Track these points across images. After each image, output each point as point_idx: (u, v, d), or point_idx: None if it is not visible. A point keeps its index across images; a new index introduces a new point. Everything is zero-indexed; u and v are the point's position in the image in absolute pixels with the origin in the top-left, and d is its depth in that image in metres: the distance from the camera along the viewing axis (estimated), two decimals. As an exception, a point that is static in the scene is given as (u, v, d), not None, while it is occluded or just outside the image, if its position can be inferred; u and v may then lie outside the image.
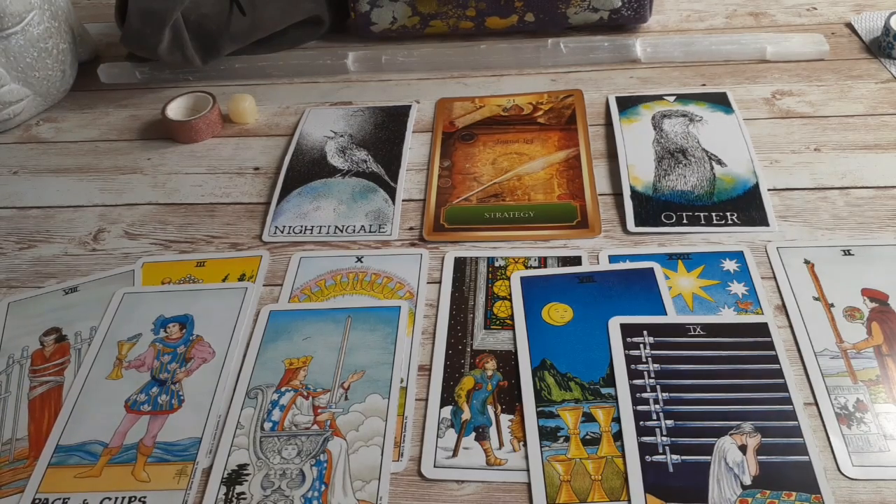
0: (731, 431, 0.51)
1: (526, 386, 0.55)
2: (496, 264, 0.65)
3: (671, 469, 0.50)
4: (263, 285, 0.66)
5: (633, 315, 0.59)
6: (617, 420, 0.53)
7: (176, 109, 0.85)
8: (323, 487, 0.51)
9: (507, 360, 0.58)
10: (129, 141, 0.86)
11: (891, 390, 0.53)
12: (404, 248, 0.68)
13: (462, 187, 0.73)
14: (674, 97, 0.81)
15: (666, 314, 0.59)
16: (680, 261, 0.63)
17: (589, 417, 0.53)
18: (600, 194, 0.71)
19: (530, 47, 0.90)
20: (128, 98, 0.93)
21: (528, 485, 0.50)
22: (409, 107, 0.85)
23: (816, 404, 0.53)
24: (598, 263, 0.64)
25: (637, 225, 0.67)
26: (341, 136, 0.82)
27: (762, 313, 0.59)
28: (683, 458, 0.50)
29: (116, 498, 0.52)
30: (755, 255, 0.63)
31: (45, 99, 0.89)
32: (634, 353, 0.56)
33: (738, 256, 0.63)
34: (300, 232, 0.70)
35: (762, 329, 0.57)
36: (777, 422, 0.51)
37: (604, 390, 0.55)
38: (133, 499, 0.52)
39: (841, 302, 0.59)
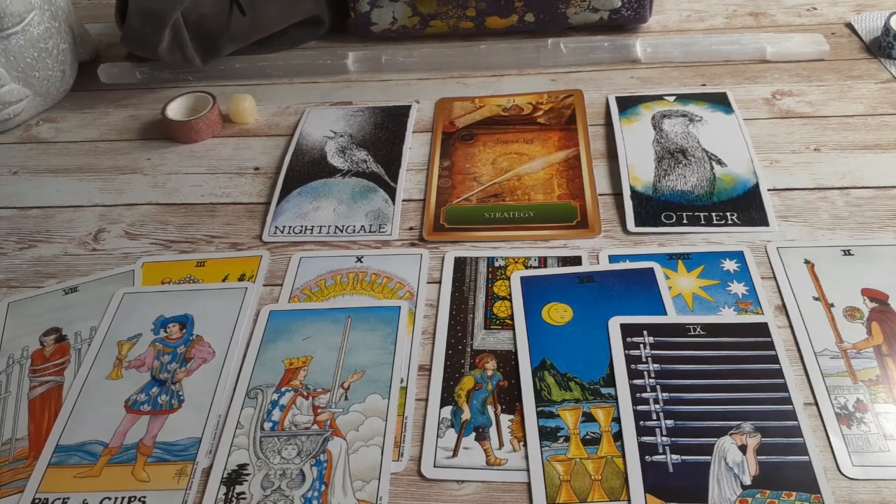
0: (731, 431, 0.51)
1: (526, 386, 0.55)
2: (496, 264, 0.65)
3: (671, 469, 0.50)
4: (263, 285, 0.66)
5: (633, 315, 0.59)
6: (617, 420, 0.53)
7: (176, 109, 0.85)
8: (323, 487, 0.51)
9: (507, 360, 0.58)
10: (129, 141, 0.86)
11: (891, 390, 0.53)
12: (404, 248, 0.68)
13: (462, 187, 0.73)
14: (674, 97, 0.81)
15: (666, 314, 0.59)
16: (680, 261, 0.63)
17: (589, 417, 0.53)
18: (600, 194, 0.71)
19: (530, 47, 0.90)
20: (128, 98, 0.93)
21: (528, 485, 0.50)
22: (409, 107, 0.85)
23: (816, 404, 0.53)
24: (598, 263, 0.64)
25: (637, 225, 0.67)
26: (341, 136, 0.82)
27: (762, 313, 0.59)
28: (683, 458, 0.50)
29: (116, 498, 0.52)
30: (755, 255, 0.63)
31: (45, 99, 0.89)
32: (634, 353, 0.56)
33: (738, 256, 0.63)
34: (300, 232, 0.71)
35: (762, 329, 0.57)
36: (777, 422, 0.51)
37: (604, 390, 0.55)
38: (133, 499, 0.52)
39: (841, 302, 0.59)
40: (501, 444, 0.53)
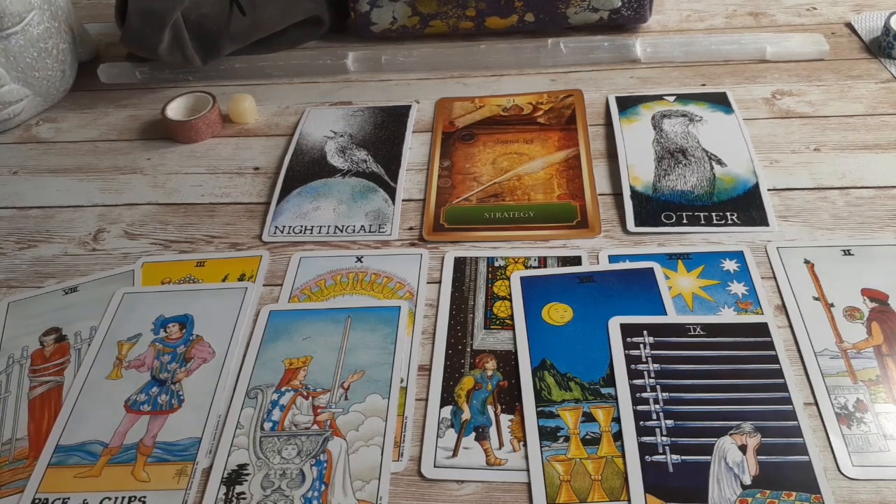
0: (731, 431, 0.51)
1: (526, 386, 0.55)
2: (496, 264, 0.65)
3: (671, 469, 0.50)
4: (263, 285, 0.66)
5: (633, 315, 0.59)
6: (617, 420, 0.53)
7: (176, 109, 0.85)
8: (323, 487, 0.51)
9: (507, 360, 0.58)
10: (128, 141, 0.86)
11: (891, 390, 0.53)
12: (404, 248, 0.68)
13: (462, 187, 0.73)
14: (674, 97, 0.81)
15: (666, 314, 0.59)
16: (680, 261, 0.63)
17: (589, 417, 0.53)
18: (600, 194, 0.71)
19: (530, 47, 0.90)
20: (128, 98, 0.93)
21: (528, 485, 0.50)
22: (408, 107, 0.85)
23: (816, 404, 0.53)
24: (597, 263, 0.64)
25: (637, 225, 0.67)
26: (341, 136, 0.82)
27: (762, 313, 0.59)
28: (683, 458, 0.50)
29: (116, 498, 0.52)
30: (755, 255, 0.63)
31: (44, 99, 0.89)
32: (634, 353, 0.56)
33: (738, 256, 0.63)
34: (300, 232, 0.70)
35: (762, 329, 0.57)
36: (777, 422, 0.51)
37: (604, 390, 0.55)
38: (133, 499, 0.52)
39: (841, 302, 0.59)
40: (501, 444, 0.53)
